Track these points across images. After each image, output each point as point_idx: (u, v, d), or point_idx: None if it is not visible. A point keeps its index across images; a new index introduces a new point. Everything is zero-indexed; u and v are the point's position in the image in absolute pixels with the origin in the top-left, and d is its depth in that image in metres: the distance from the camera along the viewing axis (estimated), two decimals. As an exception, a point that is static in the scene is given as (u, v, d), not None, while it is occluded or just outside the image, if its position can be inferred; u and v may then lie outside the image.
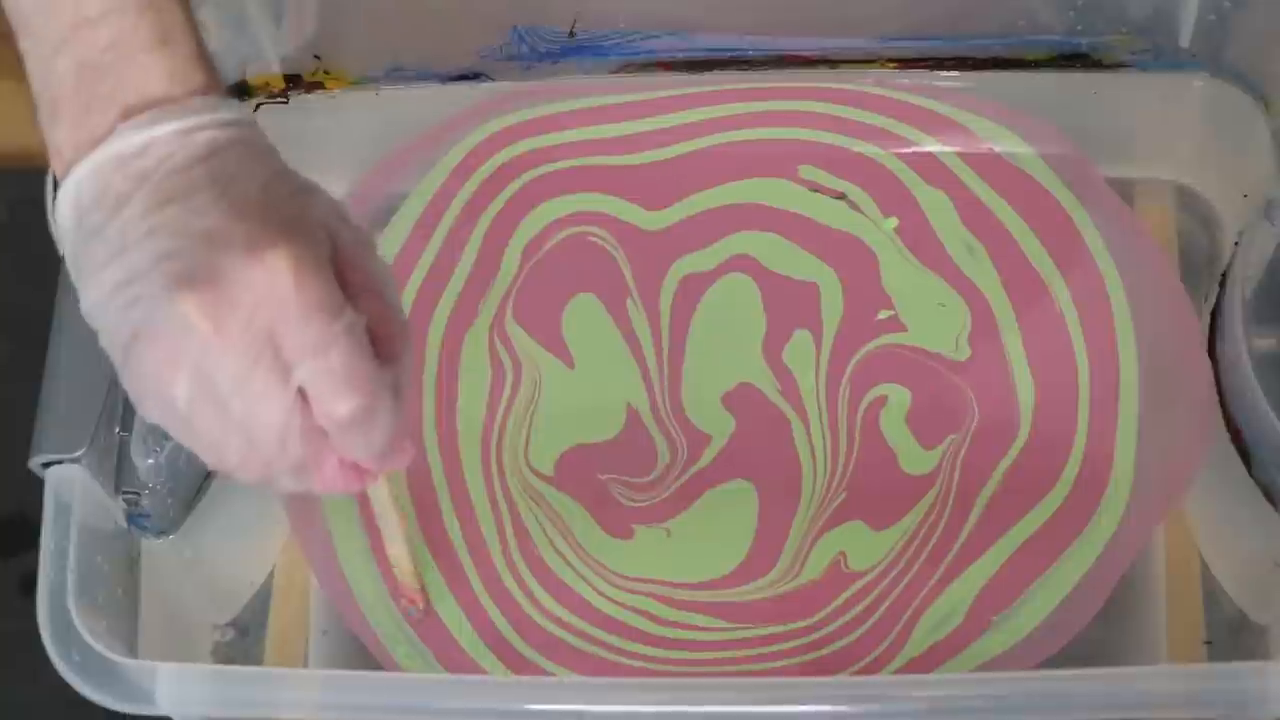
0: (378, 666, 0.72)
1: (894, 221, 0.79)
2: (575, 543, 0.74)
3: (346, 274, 0.57)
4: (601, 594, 0.73)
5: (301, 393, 0.56)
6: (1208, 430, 0.73)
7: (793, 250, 0.79)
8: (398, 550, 0.71)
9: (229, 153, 0.57)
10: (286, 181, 0.58)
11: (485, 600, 0.73)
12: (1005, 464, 0.74)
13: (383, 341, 0.58)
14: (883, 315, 0.77)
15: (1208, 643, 0.70)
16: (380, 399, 0.57)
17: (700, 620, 0.72)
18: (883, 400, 0.76)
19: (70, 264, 0.59)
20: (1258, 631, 0.70)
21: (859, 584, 0.72)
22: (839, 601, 0.72)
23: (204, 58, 0.59)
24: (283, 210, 0.57)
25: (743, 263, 0.79)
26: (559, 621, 0.72)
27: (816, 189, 0.80)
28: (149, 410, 0.59)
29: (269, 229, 0.56)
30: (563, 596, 0.73)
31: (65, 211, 0.58)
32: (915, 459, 0.74)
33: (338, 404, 0.57)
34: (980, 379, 0.75)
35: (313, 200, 0.58)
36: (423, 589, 0.72)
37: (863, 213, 0.80)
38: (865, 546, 0.73)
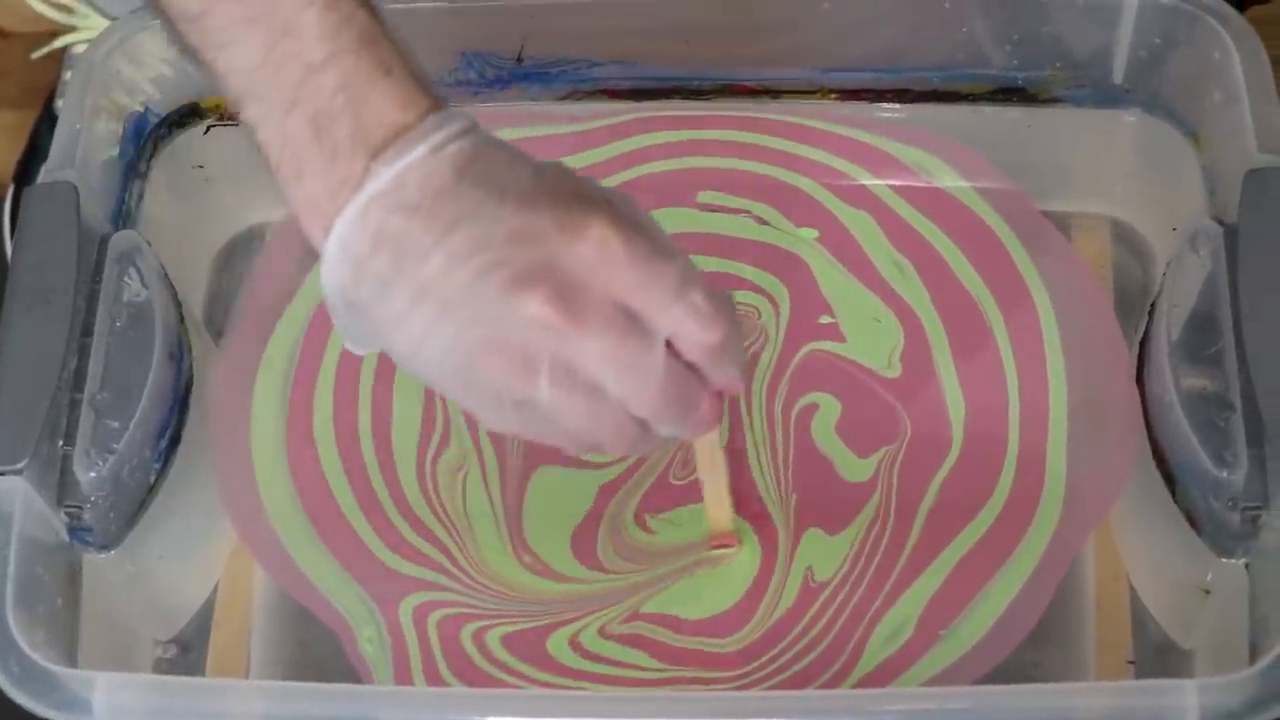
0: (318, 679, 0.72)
1: (813, 232, 0.80)
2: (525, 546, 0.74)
3: None
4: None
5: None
6: (1133, 454, 0.74)
7: (706, 263, 0.79)
8: (719, 493, 0.72)
9: (482, 157, 0.58)
10: (543, 163, 0.59)
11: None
12: (940, 477, 0.75)
13: None
14: (824, 320, 0.78)
15: (1131, 662, 0.71)
16: (735, 316, 0.60)
17: (634, 658, 0.71)
18: (814, 408, 0.76)
19: (348, 319, 0.60)
20: (1184, 656, 0.71)
21: (824, 595, 0.72)
22: (805, 620, 0.72)
23: (422, 78, 0.60)
24: (564, 187, 0.59)
25: None
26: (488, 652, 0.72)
27: (716, 210, 0.81)
28: (501, 421, 0.60)
29: (570, 207, 0.57)
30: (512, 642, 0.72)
31: (337, 268, 0.58)
32: (851, 467, 0.75)
33: (711, 333, 0.59)
34: (910, 396, 0.76)
35: (573, 171, 0.60)
36: (734, 530, 0.73)
37: (770, 225, 0.80)
38: (826, 553, 0.73)
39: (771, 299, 0.79)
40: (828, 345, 0.78)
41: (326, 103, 0.58)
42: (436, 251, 0.57)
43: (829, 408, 0.76)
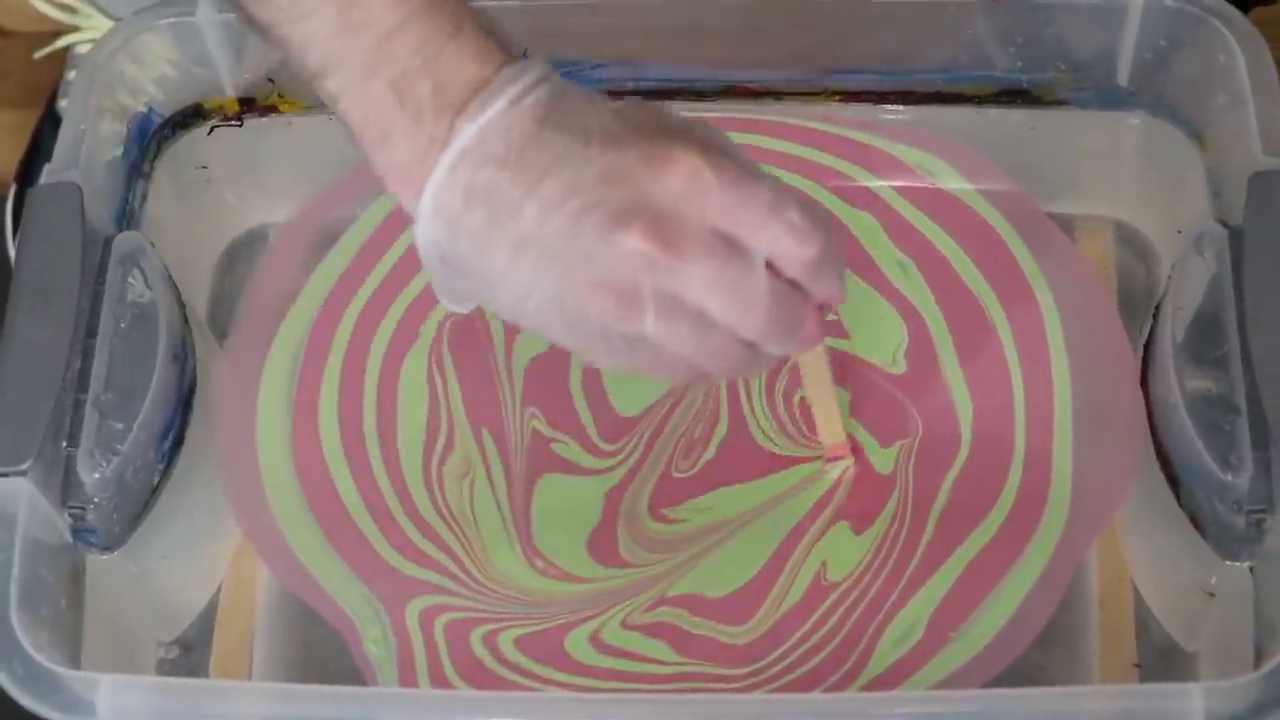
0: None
1: None
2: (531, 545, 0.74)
3: None
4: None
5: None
6: (1138, 456, 0.74)
7: None
8: (829, 406, 0.72)
9: (561, 102, 0.59)
10: (619, 102, 0.60)
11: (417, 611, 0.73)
12: (952, 475, 0.75)
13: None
14: (828, 317, 0.78)
15: (1136, 665, 0.71)
16: (830, 229, 0.60)
17: (652, 649, 0.71)
18: None
19: (446, 278, 0.60)
20: (1187, 659, 0.71)
21: (834, 594, 0.72)
22: (814, 618, 0.72)
23: (493, 31, 0.60)
24: (646, 121, 0.59)
25: None
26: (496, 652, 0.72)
27: None
28: (612, 359, 0.60)
29: (655, 140, 0.58)
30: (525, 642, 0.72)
31: (432, 227, 0.59)
32: (877, 455, 0.75)
33: (809, 248, 0.59)
34: (918, 393, 0.76)
35: (651, 104, 0.60)
36: (847, 439, 0.74)
37: None
38: (845, 552, 0.73)
39: None
40: (830, 341, 0.78)
41: (405, 66, 0.59)
42: (529, 202, 0.58)
43: (839, 397, 0.76)
